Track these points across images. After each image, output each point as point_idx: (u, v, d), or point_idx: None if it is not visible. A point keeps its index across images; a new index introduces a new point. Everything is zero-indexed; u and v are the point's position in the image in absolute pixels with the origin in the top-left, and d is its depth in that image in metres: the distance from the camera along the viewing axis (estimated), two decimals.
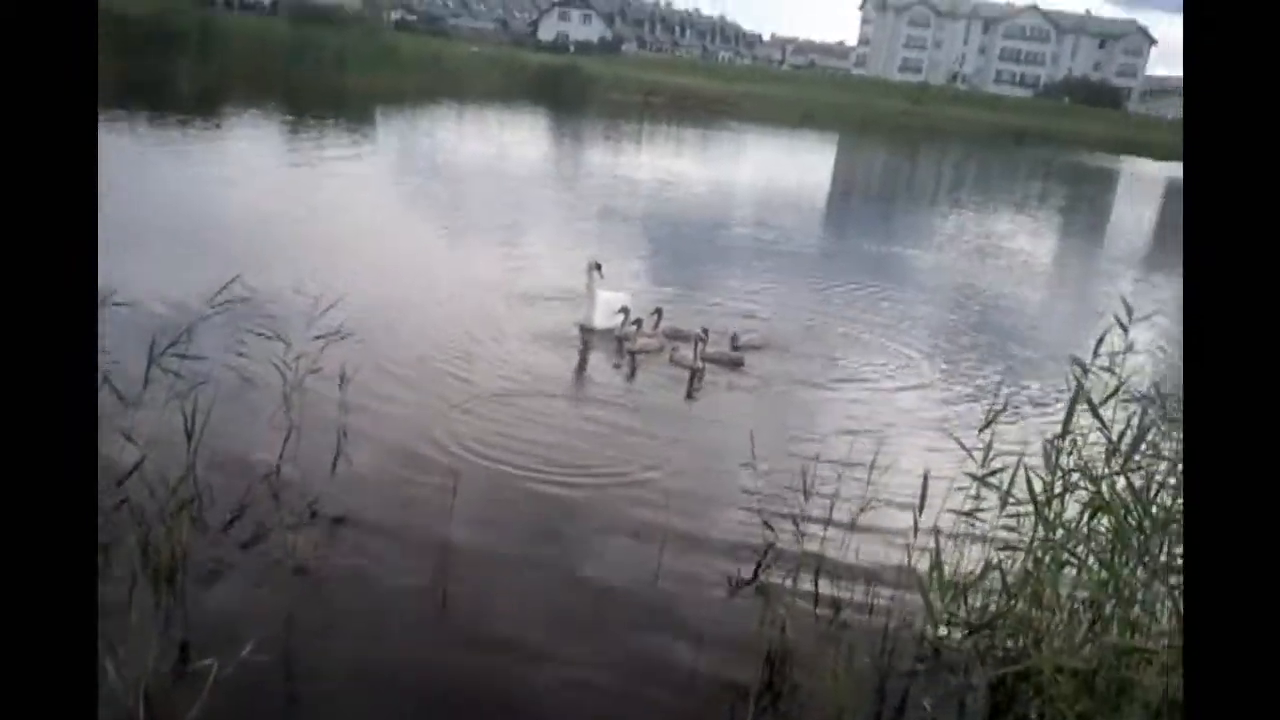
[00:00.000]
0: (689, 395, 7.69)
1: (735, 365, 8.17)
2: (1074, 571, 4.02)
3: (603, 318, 8.90)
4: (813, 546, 4.99)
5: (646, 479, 5.90)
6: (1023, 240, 20.10)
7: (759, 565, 4.91)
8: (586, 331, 8.85)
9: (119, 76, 27.33)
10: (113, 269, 7.26)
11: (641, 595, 4.62)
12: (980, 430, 4.90)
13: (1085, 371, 4.46)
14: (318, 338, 6.48)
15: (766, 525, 5.10)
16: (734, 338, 8.56)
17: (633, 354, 8.31)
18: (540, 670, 3.99)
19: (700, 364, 7.99)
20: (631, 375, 8.01)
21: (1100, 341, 4.66)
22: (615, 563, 4.89)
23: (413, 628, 4.19)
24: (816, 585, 4.76)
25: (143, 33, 30.82)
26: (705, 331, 8.15)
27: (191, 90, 28.49)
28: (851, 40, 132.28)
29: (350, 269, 9.97)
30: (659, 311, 9.00)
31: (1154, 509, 3.67)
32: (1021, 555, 4.26)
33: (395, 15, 71.87)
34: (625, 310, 8.55)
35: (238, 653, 3.59)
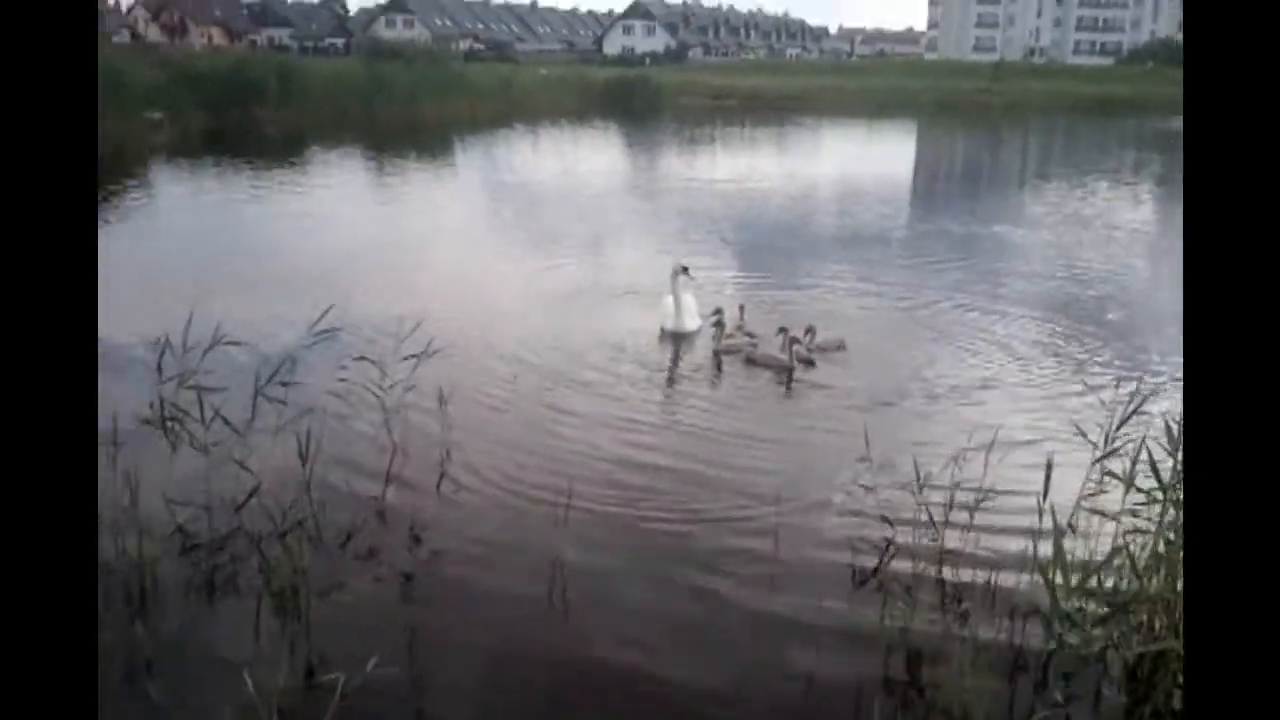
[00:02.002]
0: (787, 391, 7.60)
1: (808, 364, 8.01)
2: None
3: (691, 320, 8.89)
4: (930, 539, 4.86)
5: (755, 490, 5.81)
6: (1123, 211, 19.41)
7: (881, 558, 4.79)
8: (677, 336, 8.83)
9: (207, 130, 28.47)
10: (217, 310, 7.60)
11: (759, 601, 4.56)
12: (1119, 425, 4.73)
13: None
14: (407, 358, 6.61)
15: (885, 520, 4.98)
16: (809, 332, 8.32)
17: (718, 354, 8.25)
18: (658, 677, 3.97)
19: (794, 362, 7.88)
20: (718, 375, 7.94)
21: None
22: (730, 574, 4.84)
23: (530, 641, 4.20)
24: (941, 579, 4.62)
25: (224, 86, 32.01)
26: (785, 330, 8.03)
27: (275, 135, 29.41)
28: (920, 25, 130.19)
29: (443, 292, 10.15)
30: (741, 309, 8.96)
31: None
32: (1152, 538, 4.07)
33: (464, 45, 73.25)
34: (719, 311, 8.50)
35: (362, 667, 3.66)
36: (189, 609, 4.29)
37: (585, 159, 28.77)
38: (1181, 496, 4.02)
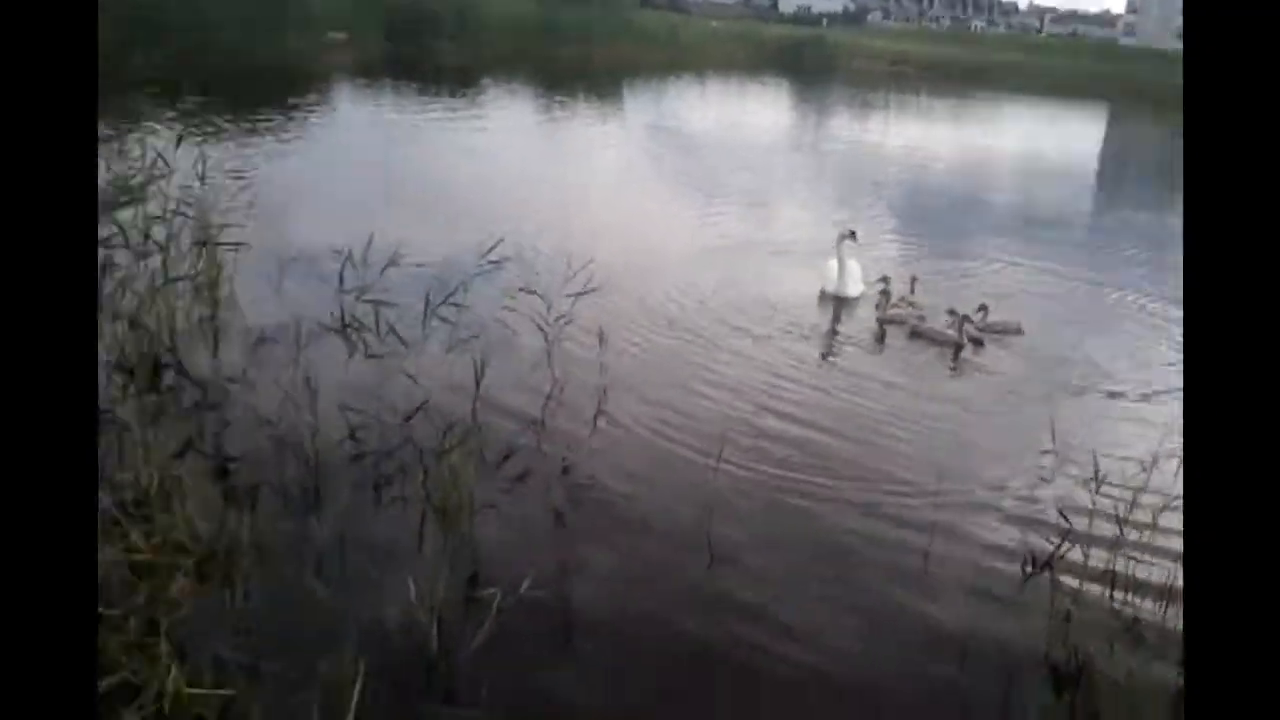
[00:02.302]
0: (954, 370, 7.35)
1: (978, 344, 7.69)
2: None
3: (854, 286, 8.70)
4: (1104, 549, 4.61)
5: (902, 450, 5.68)
6: None
7: (1054, 552, 4.58)
8: (839, 300, 8.65)
9: (387, 56, 29.32)
10: (392, 229, 7.84)
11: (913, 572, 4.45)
12: None
13: None
14: (572, 295, 6.68)
15: (1061, 515, 4.76)
16: (982, 310, 8.01)
17: (882, 323, 8.03)
18: (801, 624, 3.92)
19: (964, 339, 7.61)
20: (880, 346, 7.74)
21: None
22: (870, 534, 4.73)
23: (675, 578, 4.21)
24: (1113, 582, 4.39)
25: (405, 14, 32.87)
26: (955, 313, 7.74)
27: (450, 66, 30.03)
28: (1118, 8, 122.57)
29: (605, 235, 10.20)
30: (913, 280, 8.70)
31: None
32: None
33: None
34: (885, 279, 8.28)
35: (518, 586, 3.74)
36: (358, 512, 4.44)
37: (752, 114, 28.37)
38: None
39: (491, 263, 7.25)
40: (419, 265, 7.62)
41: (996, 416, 6.42)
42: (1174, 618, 4.09)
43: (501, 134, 18.18)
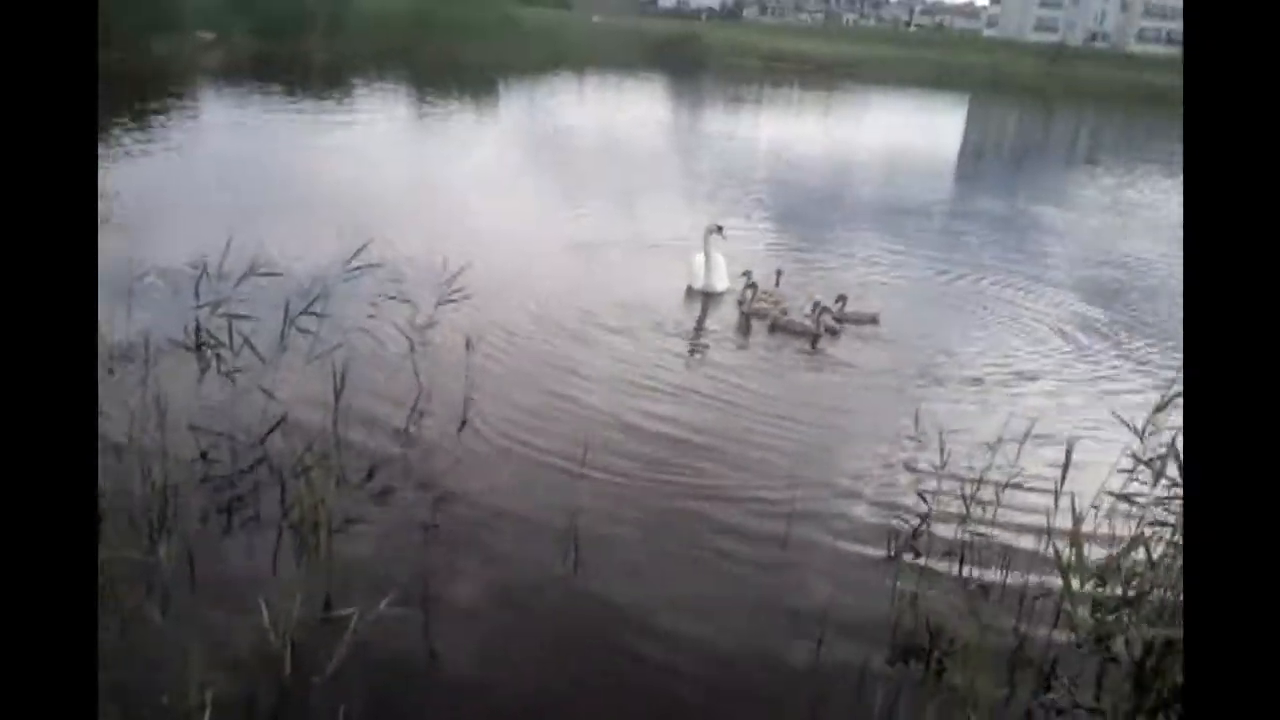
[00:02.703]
0: (811, 352, 7.59)
1: (833, 333, 7.94)
2: None
3: (721, 281, 8.85)
4: (950, 528, 4.83)
5: (765, 445, 5.82)
6: (1169, 202, 19.04)
7: (914, 533, 4.77)
8: (706, 295, 8.79)
9: (257, 54, 28.43)
10: (253, 238, 7.63)
11: (772, 560, 4.56)
12: (1156, 411, 4.66)
13: None
14: (442, 303, 6.64)
15: (921, 496, 4.95)
16: (840, 300, 8.25)
17: (747, 316, 8.20)
18: (668, 623, 3.99)
19: (820, 329, 7.84)
20: (746, 337, 7.90)
21: None
22: (740, 528, 4.84)
23: (540, 583, 4.22)
24: (962, 561, 4.60)
25: (275, 12, 31.92)
26: (819, 303, 7.99)
27: (322, 65, 29.32)
28: (982, 0, 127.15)
29: (474, 235, 10.14)
30: (778, 274, 8.92)
31: None
32: (1175, 532, 4.04)
33: None
34: (747, 274, 8.46)
35: (377, 602, 3.70)
36: (207, 537, 4.33)
37: (629, 110, 28.51)
38: None
39: (356, 269, 7.11)
40: (281, 275, 7.44)
41: (857, 408, 6.61)
42: (1014, 586, 4.32)
43: (372, 134, 17.85)
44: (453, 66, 33.25)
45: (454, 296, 6.83)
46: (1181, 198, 17.26)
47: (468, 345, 6.79)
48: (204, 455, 4.93)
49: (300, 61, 28.95)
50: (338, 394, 5.50)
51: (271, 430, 5.00)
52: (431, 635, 3.80)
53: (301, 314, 6.35)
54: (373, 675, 3.50)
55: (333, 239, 8.53)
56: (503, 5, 45.51)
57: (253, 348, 5.94)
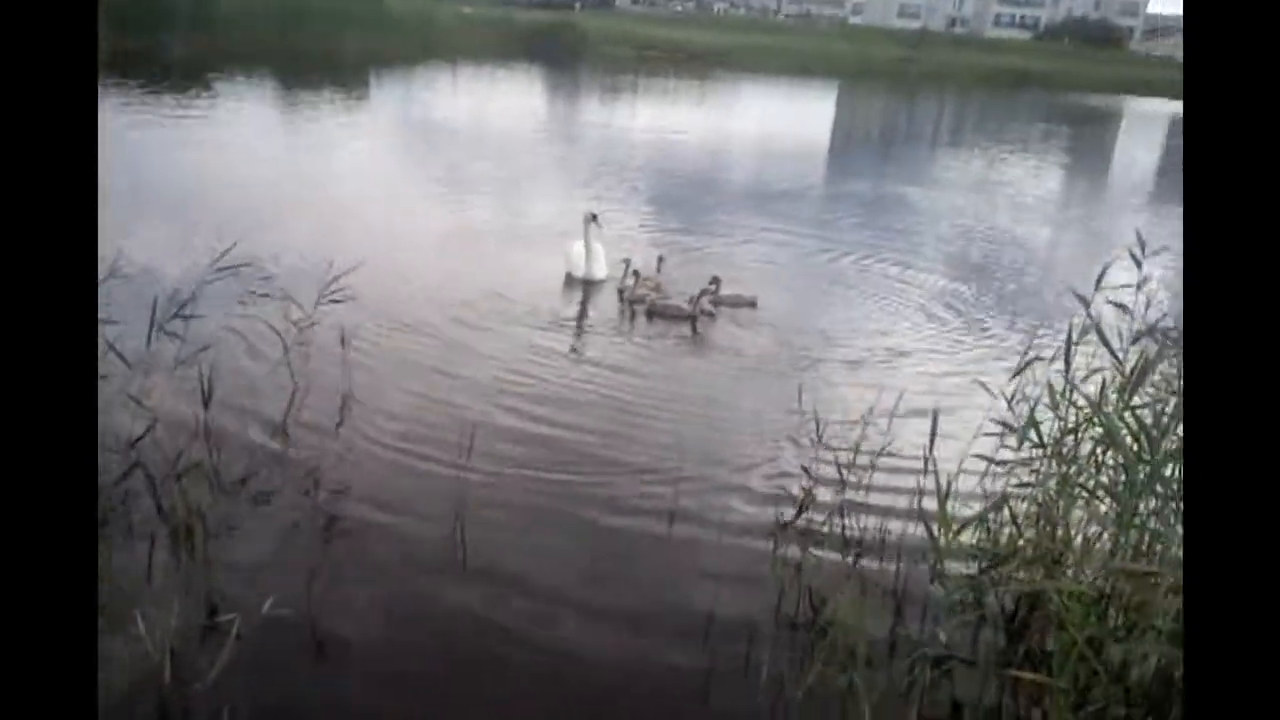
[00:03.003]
0: (691, 335, 7.74)
1: (709, 316, 8.07)
2: (1088, 504, 4.03)
3: (600, 269, 8.90)
4: (830, 492, 5.00)
5: (657, 427, 5.90)
6: (1028, 180, 19.97)
7: (800, 508, 4.88)
8: (586, 283, 8.84)
9: (115, 50, 27.09)
10: (116, 238, 7.33)
11: (660, 535, 4.64)
12: (1014, 375, 4.89)
13: (1087, 305, 4.45)
14: (330, 302, 6.48)
15: (805, 471, 5.10)
16: (714, 282, 8.36)
17: (630, 303, 8.29)
18: (560, 611, 4.02)
19: (696, 311, 7.98)
20: (631, 324, 7.97)
21: (1102, 275, 4.64)
22: (632, 509, 4.90)
23: (429, 578, 4.20)
24: (843, 526, 4.78)
25: (134, 6, 30.47)
26: (705, 291, 8.16)
27: (185, 60, 28.17)
28: None
29: (348, 230, 9.96)
30: (660, 261, 9.02)
31: (1165, 440, 3.67)
32: (1038, 491, 4.28)
33: None
34: (627, 261, 8.54)
35: (259, 607, 3.63)
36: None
37: (504, 101, 28.30)
38: (1064, 451, 4.24)
39: (225, 269, 6.89)
40: (145, 278, 7.18)
41: (738, 392, 6.71)
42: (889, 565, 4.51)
43: (239, 130, 17.26)
44: (322, 59, 32.37)
45: (330, 294, 6.68)
46: (1031, 177, 18.31)
47: (343, 342, 6.66)
48: None
49: (162, 56, 27.71)
50: (206, 398, 5.33)
51: (140, 438, 4.83)
52: (318, 635, 3.75)
53: (173, 318, 6.11)
54: (256, 680, 3.44)
55: (203, 237, 8.28)
56: None
57: (118, 353, 5.69)
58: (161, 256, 8.07)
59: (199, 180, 12.37)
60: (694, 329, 7.86)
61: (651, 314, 8.13)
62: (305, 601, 3.90)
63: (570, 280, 8.95)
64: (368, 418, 5.69)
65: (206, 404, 5.34)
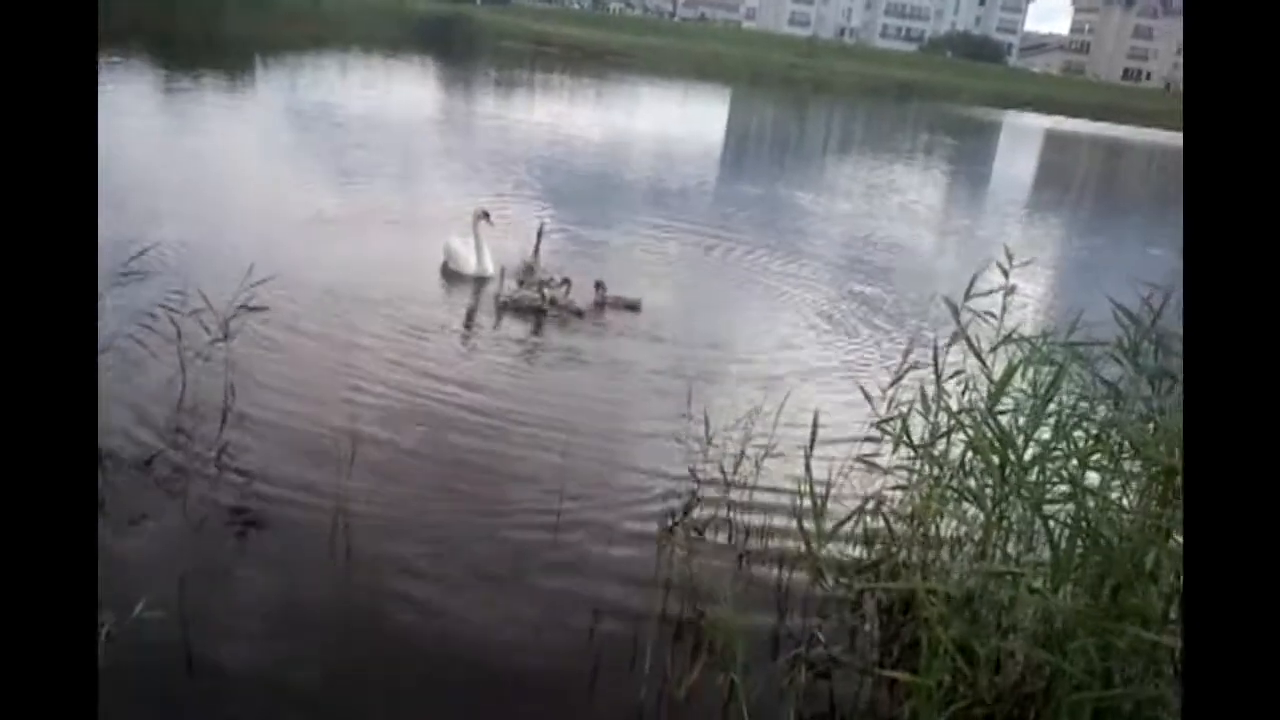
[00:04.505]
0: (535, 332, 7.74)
1: (576, 314, 8.09)
2: (956, 507, 4.21)
3: (487, 266, 8.85)
4: (715, 492, 5.10)
5: (547, 425, 5.91)
6: (911, 188, 20.65)
7: (686, 508, 4.95)
8: (477, 280, 8.78)
9: None
10: None
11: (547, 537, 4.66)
12: (893, 384, 5.03)
13: (956, 312, 4.64)
14: (243, 309, 6.10)
15: (692, 473, 5.17)
16: (599, 287, 8.38)
17: (509, 304, 8.18)
18: (444, 610, 4.01)
19: (546, 304, 8.04)
20: (497, 323, 7.88)
21: (972, 283, 4.84)
22: (516, 508, 4.91)
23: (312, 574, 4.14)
24: (731, 526, 4.88)
25: None
26: (599, 286, 8.22)
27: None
28: None
29: (224, 220, 9.67)
30: (537, 248, 9.01)
31: (1028, 445, 3.86)
32: (910, 494, 4.45)
33: None
34: (530, 265, 8.61)
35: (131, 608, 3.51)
36: None
37: (395, 91, 27.82)
38: (936, 452, 4.42)
39: (124, 276, 6.58)
40: None
41: (625, 400, 6.68)
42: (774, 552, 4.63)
43: (115, 115, 16.53)
44: (205, 42, 31.21)
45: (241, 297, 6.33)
46: (915, 184, 18.93)
47: (226, 335, 6.42)
48: None
49: None
50: None
51: None
52: (191, 636, 3.65)
53: None
54: (130, 684, 3.33)
55: None
56: None
57: None
58: None
59: None
60: (539, 325, 7.84)
61: (506, 308, 8.08)
62: (179, 601, 3.79)
63: (451, 276, 8.89)
64: (249, 425, 5.52)
65: None
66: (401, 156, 15.81)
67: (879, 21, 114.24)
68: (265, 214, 10.43)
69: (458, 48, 44.59)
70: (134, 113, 17.08)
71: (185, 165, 12.98)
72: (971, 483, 4.15)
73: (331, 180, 12.92)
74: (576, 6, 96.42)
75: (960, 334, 4.45)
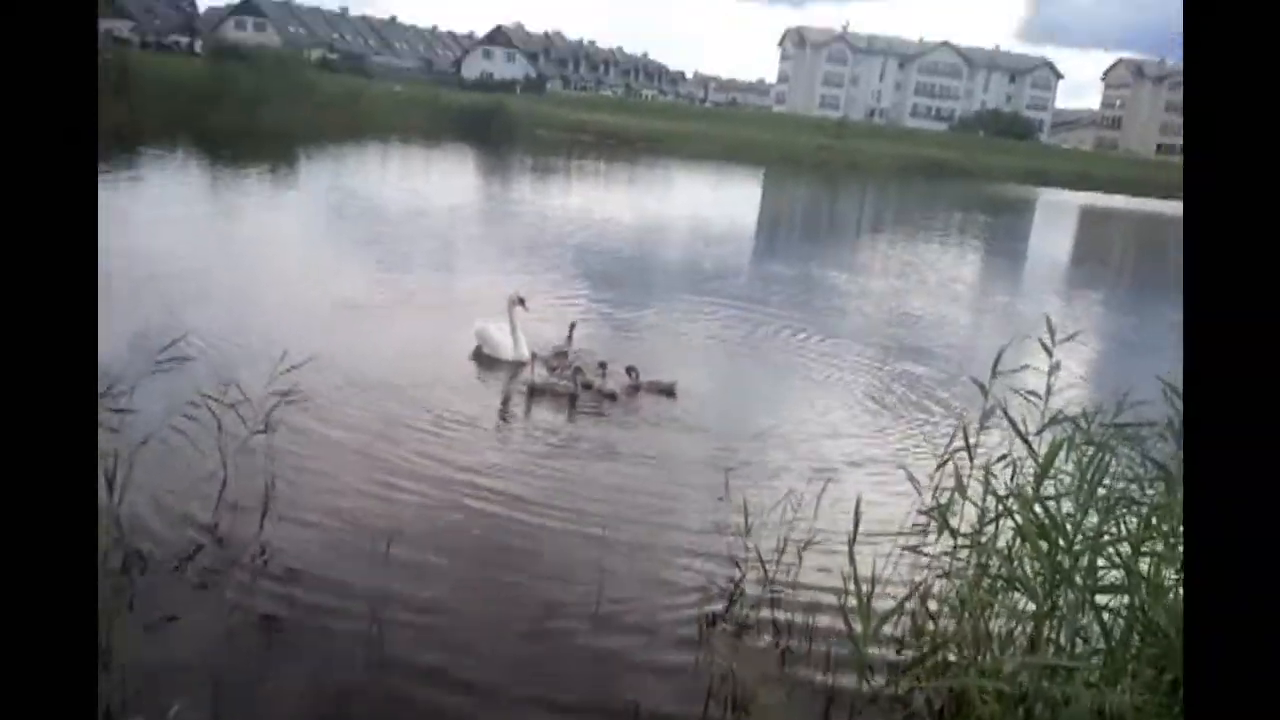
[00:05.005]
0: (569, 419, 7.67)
1: (610, 398, 8.06)
2: (1006, 596, 4.08)
3: (523, 351, 8.86)
4: (758, 583, 4.98)
5: (591, 513, 5.81)
6: (947, 266, 20.62)
7: (730, 600, 4.83)
8: (511, 365, 8.80)
9: None
10: None
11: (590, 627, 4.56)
12: (939, 467, 4.93)
13: (985, 391, 4.54)
14: (281, 394, 6.09)
15: (735, 563, 5.05)
16: (631, 372, 8.35)
17: (532, 387, 8.17)
18: (488, 706, 3.91)
19: (578, 389, 8.03)
20: (528, 410, 7.85)
21: (999, 357, 4.75)
22: (553, 609, 4.81)
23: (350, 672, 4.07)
24: (775, 622, 4.73)
25: None
26: (631, 371, 8.25)
27: (106, 131, 27.72)
28: (771, 78, 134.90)
29: (272, 314, 9.80)
30: (571, 328, 9.03)
31: (1078, 530, 3.74)
32: (958, 582, 4.32)
33: (317, 54, 71.30)
34: (564, 348, 8.65)
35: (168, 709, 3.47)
36: None
37: (432, 180, 28.44)
38: (984, 539, 4.30)
39: (167, 362, 6.61)
40: None
41: (667, 492, 6.45)
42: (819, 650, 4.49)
43: (162, 206, 17.01)
44: (251, 134, 32.13)
45: (276, 385, 6.37)
46: (949, 263, 18.86)
47: (267, 428, 6.46)
48: None
49: None
50: (111, 487, 5.04)
51: None
52: None
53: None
54: None
55: (122, 321, 8.06)
56: (303, 73, 44.63)
57: None
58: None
59: (123, 260, 12.09)
60: (572, 412, 7.78)
61: (538, 393, 8.06)
62: (212, 702, 3.74)
63: (484, 359, 8.94)
64: (295, 516, 5.51)
65: (112, 492, 5.05)
66: (437, 243, 16.07)
67: (908, 102, 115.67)
68: (302, 301, 10.59)
69: (495, 137, 45.54)
70: (178, 202, 17.59)
71: (225, 254, 13.29)
72: (1021, 570, 4.03)
73: (368, 266, 13.13)
74: (610, 94, 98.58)
75: (996, 411, 4.37)
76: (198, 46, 65.93)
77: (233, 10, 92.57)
